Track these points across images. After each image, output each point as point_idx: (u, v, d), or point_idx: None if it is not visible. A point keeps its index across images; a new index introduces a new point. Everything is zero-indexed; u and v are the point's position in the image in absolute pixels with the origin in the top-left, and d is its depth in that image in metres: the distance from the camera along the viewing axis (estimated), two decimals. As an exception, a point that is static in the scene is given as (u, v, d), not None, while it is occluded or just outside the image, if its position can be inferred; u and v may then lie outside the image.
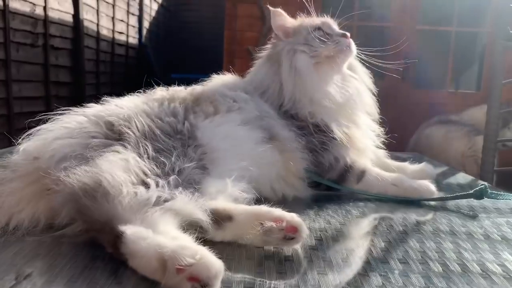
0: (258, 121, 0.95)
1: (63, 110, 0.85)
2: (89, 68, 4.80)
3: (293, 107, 1.04)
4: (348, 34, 1.11)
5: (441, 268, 0.65)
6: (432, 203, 0.98)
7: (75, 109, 0.86)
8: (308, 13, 1.17)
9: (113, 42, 5.41)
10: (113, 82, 5.41)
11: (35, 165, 0.75)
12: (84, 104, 0.88)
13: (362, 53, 1.14)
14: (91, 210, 0.65)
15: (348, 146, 1.03)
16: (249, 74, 1.16)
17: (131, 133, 0.78)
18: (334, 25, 1.15)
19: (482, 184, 0.97)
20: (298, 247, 0.70)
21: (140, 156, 0.73)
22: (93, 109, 0.87)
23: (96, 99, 0.91)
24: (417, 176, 1.10)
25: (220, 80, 1.09)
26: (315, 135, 1.01)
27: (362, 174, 1.01)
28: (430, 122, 3.10)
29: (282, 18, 1.13)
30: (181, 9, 7.59)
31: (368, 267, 0.65)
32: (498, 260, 0.69)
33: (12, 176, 0.75)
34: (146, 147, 0.75)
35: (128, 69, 5.85)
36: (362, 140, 1.08)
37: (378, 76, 1.20)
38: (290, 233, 0.68)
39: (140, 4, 6.19)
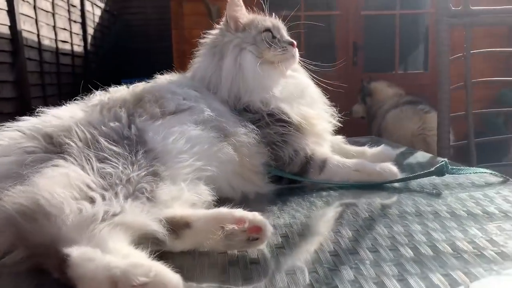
0: (210, 121, 0.90)
1: None
2: (34, 81, 4.59)
3: (240, 102, 1.01)
4: (295, 43, 1.12)
5: (412, 253, 0.63)
6: (396, 184, 0.97)
7: (7, 124, 0.79)
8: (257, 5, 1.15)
9: (57, 52, 5.19)
10: (61, 93, 5.19)
11: None
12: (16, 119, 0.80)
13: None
14: (32, 234, 0.58)
15: (306, 134, 1.00)
16: (192, 67, 1.12)
17: (72, 143, 0.71)
18: (283, 30, 1.15)
19: (442, 161, 0.96)
20: (263, 247, 0.66)
21: (83, 168, 0.67)
22: (28, 122, 0.80)
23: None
24: (376, 159, 1.09)
25: (164, 78, 1.04)
26: (271, 126, 0.98)
27: (323, 164, 0.98)
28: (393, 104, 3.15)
29: (237, 9, 1.11)
30: (125, 12, 7.39)
31: (338, 260, 0.62)
32: (467, 237, 0.68)
33: None
34: (89, 158, 0.69)
35: (75, 78, 5.64)
36: (319, 121, 1.06)
37: (330, 63, 1.20)
38: (254, 234, 0.64)
39: (82, 10, 5.98)
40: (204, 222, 0.65)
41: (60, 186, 0.62)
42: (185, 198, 0.73)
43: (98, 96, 0.90)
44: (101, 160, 0.69)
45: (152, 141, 0.78)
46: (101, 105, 0.85)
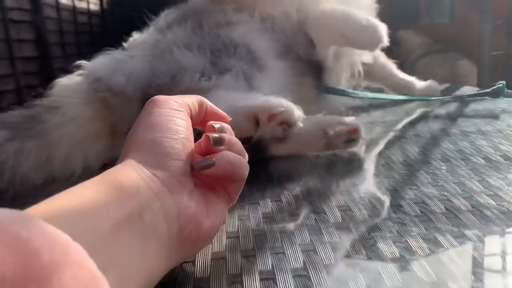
0: None
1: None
2: (53, 40, 4.58)
3: None
4: None
5: (483, 161, 0.63)
6: (447, 111, 0.96)
7: None
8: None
9: (74, 11, 5.15)
10: (80, 53, 5.18)
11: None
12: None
13: None
14: None
15: None
16: None
17: None
18: None
19: (500, 83, 0.95)
20: (357, 149, 0.72)
21: None
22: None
23: (65, 72, 0.82)
24: (423, 92, 1.09)
25: None
26: None
27: None
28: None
29: None
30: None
31: (411, 169, 0.62)
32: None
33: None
34: None
35: (93, 37, 5.61)
36: None
37: None
38: (352, 135, 0.70)
39: (96, -33, 5.87)
40: (312, 123, 0.69)
41: None
42: None
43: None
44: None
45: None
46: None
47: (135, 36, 0.88)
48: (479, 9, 1.71)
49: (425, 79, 1.16)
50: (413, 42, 3.30)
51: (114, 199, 0.31)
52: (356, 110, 1.02)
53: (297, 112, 0.65)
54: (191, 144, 0.39)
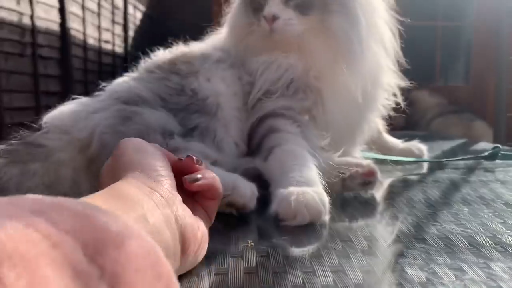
0: None
1: None
2: (77, 78, 4.74)
3: None
4: None
5: (504, 206, 0.65)
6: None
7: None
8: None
9: (99, 52, 5.36)
10: (102, 91, 5.33)
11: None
12: None
13: None
14: None
15: None
16: None
17: None
18: None
19: (496, 146, 0.98)
20: (374, 191, 0.73)
21: None
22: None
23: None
24: (404, 154, 1.02)
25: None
26: None
27: None
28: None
29: None
30: (165, 17, 7.58)
31: (433, 208, 0.64)
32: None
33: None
34: None
35: (115, 78, 5.78)
36: None
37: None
38: (368, 178, 0.71)
39: (125, 13, 6.16)
40: (327, 164, 0.71)
41: None
42: None
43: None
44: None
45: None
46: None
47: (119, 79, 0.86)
48: (495, 72, 1.76)
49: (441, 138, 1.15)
50: (427, 103, 3.37)
51: (120, 206, 0.34)
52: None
53: (248, 194, 0.61)
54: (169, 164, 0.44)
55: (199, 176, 0.45)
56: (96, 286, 0.23)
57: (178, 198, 0.41)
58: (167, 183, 0.40)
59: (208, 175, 0.46)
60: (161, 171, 0.41)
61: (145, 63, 0.86)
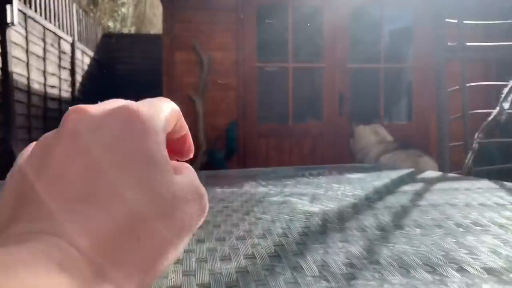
0: None
1: None
2: (20, 123, 4.56)
3: None
4: None
5: (455, 227, 0.64)
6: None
7: None
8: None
9: (45, 97, 5.21)
10: (46, 137, 5.14)
11: None
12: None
13: None
14: None
15: None
16: None
17: None
18: None
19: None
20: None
21: None
22: None
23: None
24: None
25: None
26: None
27: None
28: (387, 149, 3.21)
29: None
30: (114, 61, 7.52)
31: (385, 232, 0.62)
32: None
33: None
34: None
35: (61, 124, 5.60)
36: None
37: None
38: None
39: (72, 57, 6.07)
40: None
41: None
42: None
43: None
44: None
45: None
46: None
47: None
48: (436, 107, 1.83)
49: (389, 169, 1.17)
50: (370, 140, 3.46)
51: None
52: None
53: None
54: None
55: None
56: None
57: None
58: None
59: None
60: None
61: None
